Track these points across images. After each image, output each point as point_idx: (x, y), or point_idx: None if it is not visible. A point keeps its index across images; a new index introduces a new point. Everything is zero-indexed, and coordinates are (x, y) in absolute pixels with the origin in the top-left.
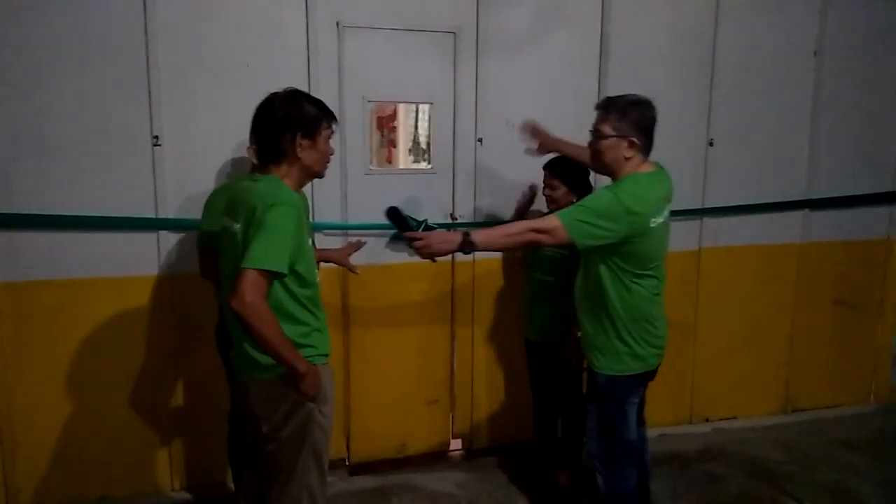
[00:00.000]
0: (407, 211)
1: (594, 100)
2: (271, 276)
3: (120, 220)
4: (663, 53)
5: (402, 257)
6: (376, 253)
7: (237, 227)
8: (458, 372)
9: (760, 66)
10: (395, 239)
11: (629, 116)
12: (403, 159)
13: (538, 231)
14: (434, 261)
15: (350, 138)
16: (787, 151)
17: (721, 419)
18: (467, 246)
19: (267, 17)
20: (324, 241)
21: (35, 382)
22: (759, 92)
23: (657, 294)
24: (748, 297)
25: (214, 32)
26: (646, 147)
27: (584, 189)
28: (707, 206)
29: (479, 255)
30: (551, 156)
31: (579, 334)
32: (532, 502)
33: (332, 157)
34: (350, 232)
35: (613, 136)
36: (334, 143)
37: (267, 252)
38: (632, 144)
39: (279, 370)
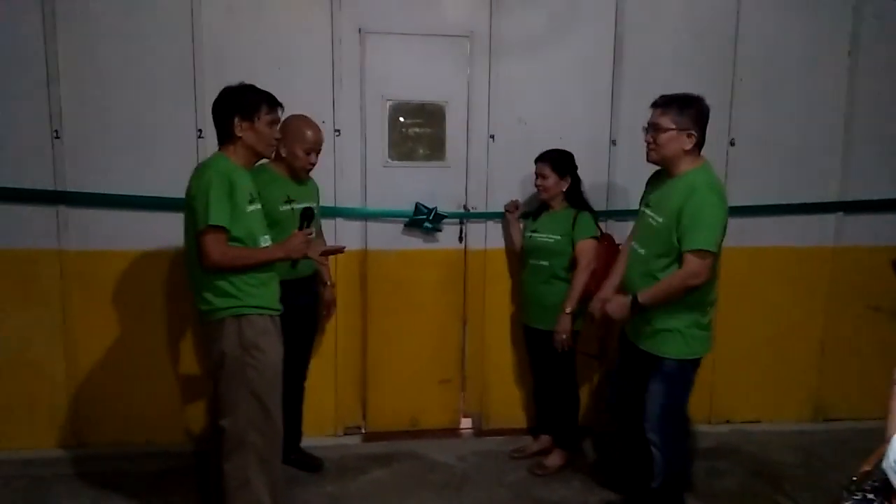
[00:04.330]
0: (422, 200)
1: (607, 101)
2: (218, 229)
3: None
4: (679, 53)
5: (418, 244)
6: (393, 239)
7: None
8: (469, 354)
9: (787, 65)
10: (410, 226)
11: (687, 111)
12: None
13: (690, 275)
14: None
15: (370, 134)
16: (818, 153)
17: (743, 422)
18: (635, 306)
19: (296, 23)
20: (345, 226)
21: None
22: (786, 91)
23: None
24: (773, 300)
25: (251, 38)
26: (701, 141)
27: (572, 176)
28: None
29: (490, 243)
30: (543, 149)
31: (568, 310)
32: (522, 478)
33: (276, 140)
34: (369, 218)
35: (673, 130)
36: (355, 138)
37: (207, 212)
38: (690, 137)
39: (216, 315)
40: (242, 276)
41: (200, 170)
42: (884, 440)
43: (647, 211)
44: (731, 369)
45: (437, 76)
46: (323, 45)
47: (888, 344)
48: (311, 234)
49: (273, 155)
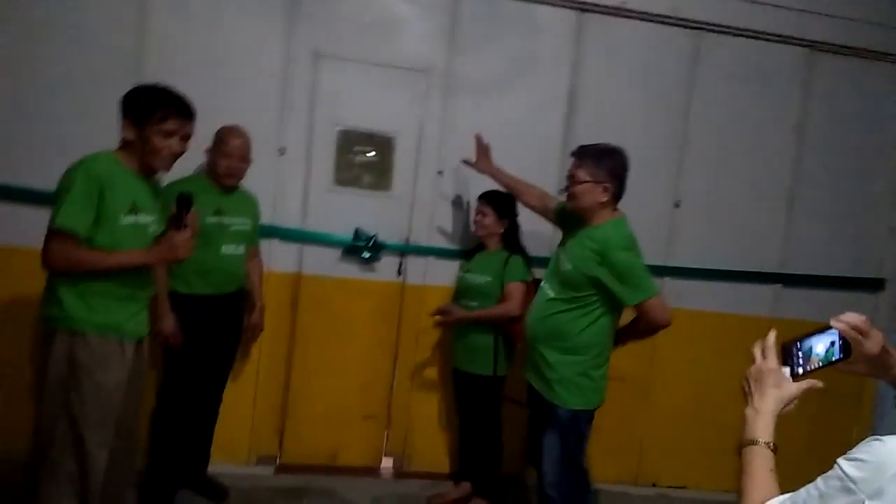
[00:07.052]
0: (363, 227)
1: (558, 148)
2: (65, 232)
3: None
4: (632, 112)
5: (355, 272)
6: (330, 265)
7: None
8: (397, 392)
9: (736, 135)
10: (348, 253)
11: (604, 164)
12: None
13: (648, 324)
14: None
15: (316, 157)
16: (761, 223)
17: (669, 486)
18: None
19: (250, 39)
20: (280, 247)
21: None
22: (733, 160)
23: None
24: (707, 365)
25: (203, 49)
26: (619, 193)
27: (511, 219)
28: (670, 265)
29: (429, 279)
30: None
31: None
32: None
33: (173, 154)
34: (307, 241)
35: (589, 182)
36: (299, 160)
37: (57, 211)
38: (606, 190)
39: (48, 325)
40: (92, 285)
41: (76, 163)
42: None
43: (562, 254)
44: (660, 431)
45: (390, 107)
46: (275, 65)
47: (825, 422)
48: (188, 235)
49: (167, 169)
